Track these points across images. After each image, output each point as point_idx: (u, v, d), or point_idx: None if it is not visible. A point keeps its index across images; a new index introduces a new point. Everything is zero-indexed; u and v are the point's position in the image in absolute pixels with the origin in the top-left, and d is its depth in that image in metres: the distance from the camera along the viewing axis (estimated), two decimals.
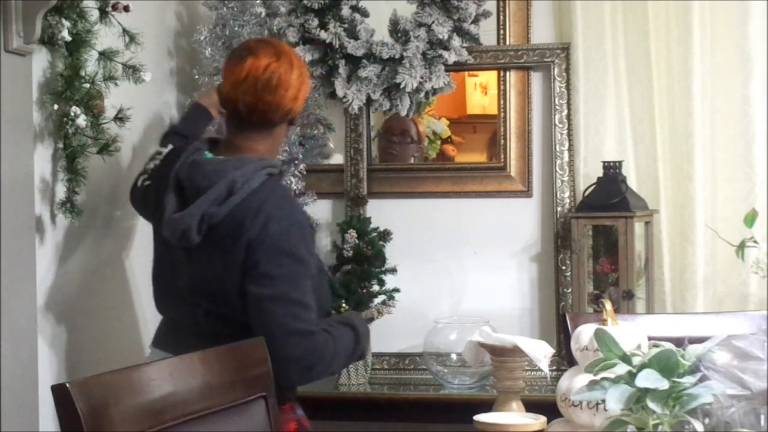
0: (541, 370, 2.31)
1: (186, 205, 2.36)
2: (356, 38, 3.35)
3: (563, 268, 3.31)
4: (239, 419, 1.90)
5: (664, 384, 1.64)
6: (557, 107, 3.35)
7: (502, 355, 2.24)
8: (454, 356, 3.18)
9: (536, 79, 3.42)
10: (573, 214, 3.24)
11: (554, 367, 3.09)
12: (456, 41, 3.32)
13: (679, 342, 1.83)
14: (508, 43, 3.41)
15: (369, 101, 3.39)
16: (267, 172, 2.39)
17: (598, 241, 3.24)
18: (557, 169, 3.34)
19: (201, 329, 2.40)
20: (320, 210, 3.46)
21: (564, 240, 3.30)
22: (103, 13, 2.70)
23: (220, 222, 2.33)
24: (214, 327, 2.39)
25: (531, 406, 2.24)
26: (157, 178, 2.57)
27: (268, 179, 2.39)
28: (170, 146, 2.69)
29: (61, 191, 2.68)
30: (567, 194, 3.33)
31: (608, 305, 2.10)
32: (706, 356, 1.85)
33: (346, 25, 3.35)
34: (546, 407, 2.17)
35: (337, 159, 3.52)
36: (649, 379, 1.65)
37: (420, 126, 3.55)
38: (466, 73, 3.54)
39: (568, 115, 3.34)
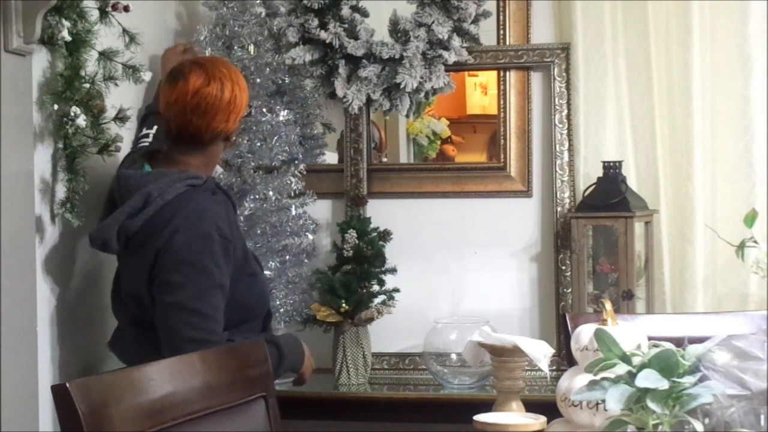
0: (541, 370, 2.31)
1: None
2: (356, 38, 3.35)
3: (563, 268, 3.31)
4: (239, 419, 1.90)
5: (663, 384, 1.64)
6: (557, 107, 3.35)
7: (502, 355, 2.24)
8: (454, 356, 3.18)
9: (536, 79, 3.42)
10: (573, 214, 3.24)
11: (554, 367, 3.09)
12: (456, 41, 3.32)
13: (678, 342, 1.84)
14: (508, 43, 3.41)
15: (369, 101, 3.39)
16: (188, 183, 2.48)
17: (598, 241, 3.24)
18: (557, 169, 3.34)
19: (132, 332, 2.59)
20: (320, 210, 3.46)
21: (564, 240, 3.30)
22: (103, 13, 2.70)
23: (135, 232, 2.48)
24: (138, 330, 2.55)
25: (531, 406, 2.24)
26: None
27: (186, 191, 2.48)
28: (155, 127, 2.79)
29: (61, 191, 2.67)
30: (567, 194, 3.33)
31: (608, 305, 2.10)
32: (706, 356, 1.85)
33: (346, 25, 3.35)
34: (546, 407, 2.17)
35: (337, 159, 3.53)
36: (648, 379, 1.65)
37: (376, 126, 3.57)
38: (466, 73, 3.54)
39: (568, 115, 3.34)
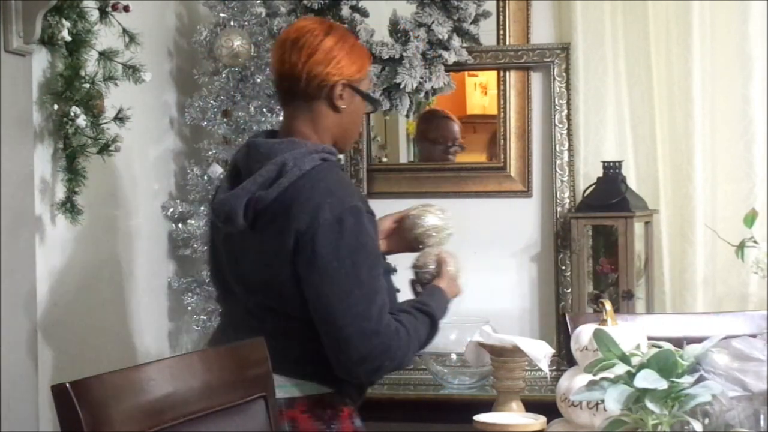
0: (541, 370, 2.31)
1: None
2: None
3: (563, 268, 3.31)
4: (239, 419, 1.90)
5: (662, 384, 1.65)
6: (557, 107, 3.35)
7: (502, 355, 2.24)
8: (454, 356, 3.18)
9: (536, 79, 3.42)
10: (573, 214, 3.24)
11: (554, 367, 3.09)
12: (456, 41, 3.32)
13: (678, 342, 1.84)
14: (508, 43, 3.41)
15: None
16: (321, 157, 2.21)
17: (598, 241, 3.24)
18: (557, 169, 3.34)
19: (252, 324, 2.23)
20: None
21: (564, 240, 3.30)
22: (103, 13, 2.70)
23: (267, 205, 2.17)
24: (263, 321, 2.23)
25: (531, 406, 2.25)
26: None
27: (322, 164, 2.21)
28: None
29: (61, 191, 2.68)
30: (567, 194, 3.34)
31: (608, 305, 2.11)
32: (706, 359, 1.85)
33: (346, 25, 3.35)
34: (546, 407, 2.17)
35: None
36: (647, 379, 1.65)
37: (457, 122, 3.56)
38: (466, 73, 3.54)
39: (568, 115, 3.34)
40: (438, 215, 2.48)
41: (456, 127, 3.56)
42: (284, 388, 2.18)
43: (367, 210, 2.21)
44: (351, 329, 2.13)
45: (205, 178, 3.19)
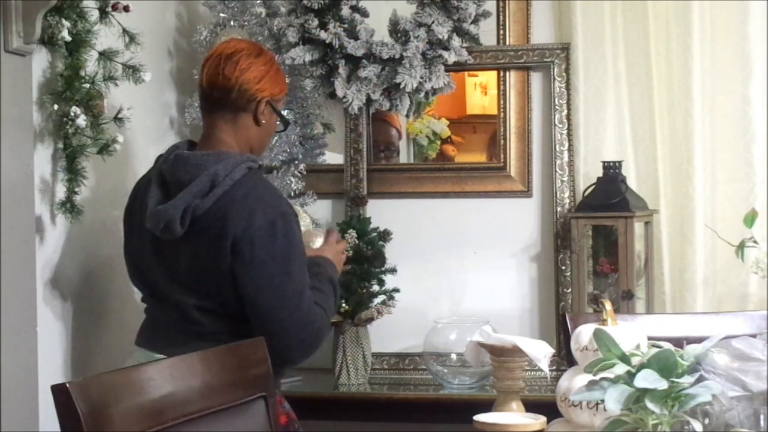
0: (541, 370, 2.31)
1: (169, 199, 2.40)
2: (356, 38, 3.34)
3: (563, 268, 3.31)
4: (239, 419, 1.91)
5: (662, 384, 1.65)
6: (557, 107, 3.35)
7: (502, 355, 2.24)
8: (454, 356, 3.18)
9: (536, 79, 3.42)
10: (573, 214, 3.24)
11: (554, 367, 3.09)
12: (456, 41, 3.32)
13: (678, 342, 1.84)
14: (508, 43, 3.41)
15: (369, 101, 3.39)
16: (247, 165, 2.42)
17: (597, 241, 3.24)
18: (557, 169, 3.34)
19: (185, 325, 2.43)
20: (320, 210, 3.47)
21: (564, 240, 3.30)
22: (103, 13, 2.70)
23: (203, 214, 2.37)
24: (200, 322, 2.42)
25: (531, 406, 2.25)
26: (129, 201, 2.60)
27: (249, 172, 2.43)
28: None
29: (61, 191, 2.68)
30: (567, 194, 3.34)
31: (608, 305, 2.11)
32: (706, 359, 1.85)
33: (346, 25, 3.35)
34: (546, 407, 2.17)
35: (337, 159, 3.53)
36: (647, 379, 1.65)
37: (396, 123, 3.56)
38: (466, 73, 3.54)
39: (568, 115, 3.34)
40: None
41: (392, 131, 3.56)
42: None
43: (293, 213, 2.46)
44: (288, 321, 2.38)
45: None
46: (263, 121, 2.51)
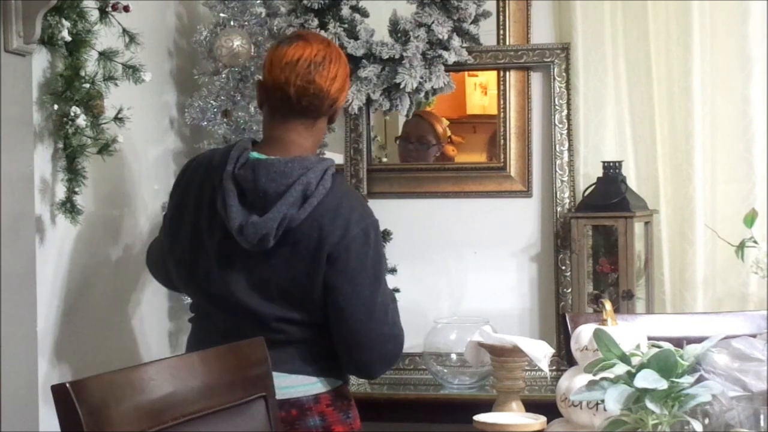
0: (541, 370, 2.31)
1: (250, 208, 2.30)
2: (356, 38, 3.35)
3: (563, 268, 3.31)
4: (239, 419, 1.91)
5: (662, 384, 1.65)
6: (557, 107, 3.35)
7: (502, 355, 2.24)
8: (454, 356, 3.18)
9: (536, 79, 3.42)
10: (573, 214, 3.24)
11: (554, 367, 3.09)
12: (456, 41, 3.32)
13: (678, 342, 1.84)
14: (508, 43, 3.41)
15: (369, 101, 3.39)
16: (332, 171, 2.37)
17: (597, 241, 3.24)
18: (557, 169, 3.34)
19: (266, 334, 2.22)
20: None
21: (564, 240, 3.30)
22: (103, 13, 2.70)
23: (298, 225, 2.30)
24: (283, 331, 2.36)
25: (531, 406, 2.25)
26: (179, 191, 2.48)
27: (336, 178, 2.38)
28: None
29: (61, 191, 2.67)
30: (567, 194, 3.34)
31: (608, 305, 2.11)
32: (706, 359, 1.85)
33: (346, 25, 3.35)
34: (546, 407, 2.17)
35: (337, 159, 3.52)
36: (647, 379, 1.65)
37: (439, 125, 3.56)
38: (466, 73, 3.54)
39: (568, 115, 3.34)
40: None
41: (426, 125, 3.55)
42: (307, 386, 2.38)
43: (377, 221, 2.43)
44: (375, 333, 2.38)
45: None
46: (335, 121, 2.51)
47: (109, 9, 2.68)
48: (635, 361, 1.71)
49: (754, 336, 2.05)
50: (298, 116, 2.38)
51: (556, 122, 3.35)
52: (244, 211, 2.30)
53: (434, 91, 3.38)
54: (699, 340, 1.88)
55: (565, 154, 3.34)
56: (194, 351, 2.26)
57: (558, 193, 3.34)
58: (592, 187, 3.24)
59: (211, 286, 2.39)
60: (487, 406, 2.25)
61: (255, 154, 2.36)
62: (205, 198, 2.38)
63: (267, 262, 2.33)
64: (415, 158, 3.55)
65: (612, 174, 3.20)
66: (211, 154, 2.49)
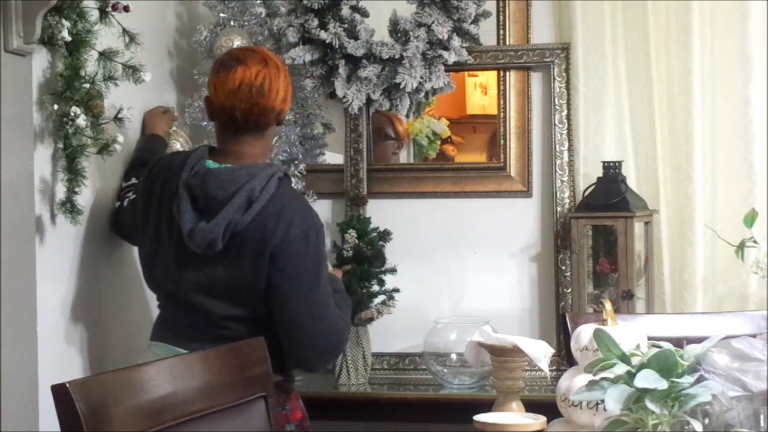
0: (541, 370, 2.31)
1: (202, 214, 2.48)
2: (356, 38, 3.35)
3: (563, 268, 3.31)
4: (239, 419, 1.91)
5: (662, 384, 1.65)
6: (557, 107, 3.35)
7: (502, 355, 2.24)
8: (454, 356, 3.18)
9: (536, 79, 3.42)
10: (573, 214, 3.24)
11: (554, 367, 3.09)
12: (456, 41, 3.32)
13: (678, 342, 1.84)
14: (508, 43, 3.41)
15: (369, 101, 3.39)
16: (278, 176, 2.52)
17: (597, 241, 3.24)
18: (557, 169, 3.34)
19: (212, 329, 2.53)
20: (320, 210, 3.45)
21: (564, 240, 3.30)
22: (103, 13, 2.70)
23: (243, 228, 2.47)
24: (228, 327, 2.53)
25: (531, 406, 2.25)
26: (145, 191, 2.64)
27: (280, 183, 2.51)
28: (133, 180, 2.83)
29: (61, 191, 2.67)
30: (567, 194, 3.34)
31: (608, 305, 2.11)
32: (706, 359, 1.85)
33: (346, 25, 3.35)
34: (546, 407, 2.17)
35: (337, 159, 3.53)
36: (647, 379, 1.65)
37: (399, 124, 3.57)
38: (466, 73, 3.54)
39: (568, 115, 3.34)
40: None
41: (382, 120, 3.56)
42: None
43: (322, 225, 2.61)
44: (314, 330, 2.53)
45: None
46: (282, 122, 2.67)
47: (109, 9, 2.68)
48: (635, 361, 1.71)
49: (754, 336, 2.05)
50: (247, 132, 2.55)
51: (556, 122, 3.35)
52: (195, 216, 2.49)
53: (434, 91, 3.38)
54: (699, 340, 1.88)
55: (565, 154, 3.34)
56: (157, 340, 2.61)
57: (558, 193, 3.34)
58: (592, 187, 3.24)
59: (169, 285, 2.58)
60: (487, 406, 2.25)
61: (210, 163, 2.54)
62: (164, 202, 2.56)
63: (217, 263, 2.51)
64: (374, 151, 3.54)
65: (612, 174, 3.20)
66: (171, 158, 2.67)
